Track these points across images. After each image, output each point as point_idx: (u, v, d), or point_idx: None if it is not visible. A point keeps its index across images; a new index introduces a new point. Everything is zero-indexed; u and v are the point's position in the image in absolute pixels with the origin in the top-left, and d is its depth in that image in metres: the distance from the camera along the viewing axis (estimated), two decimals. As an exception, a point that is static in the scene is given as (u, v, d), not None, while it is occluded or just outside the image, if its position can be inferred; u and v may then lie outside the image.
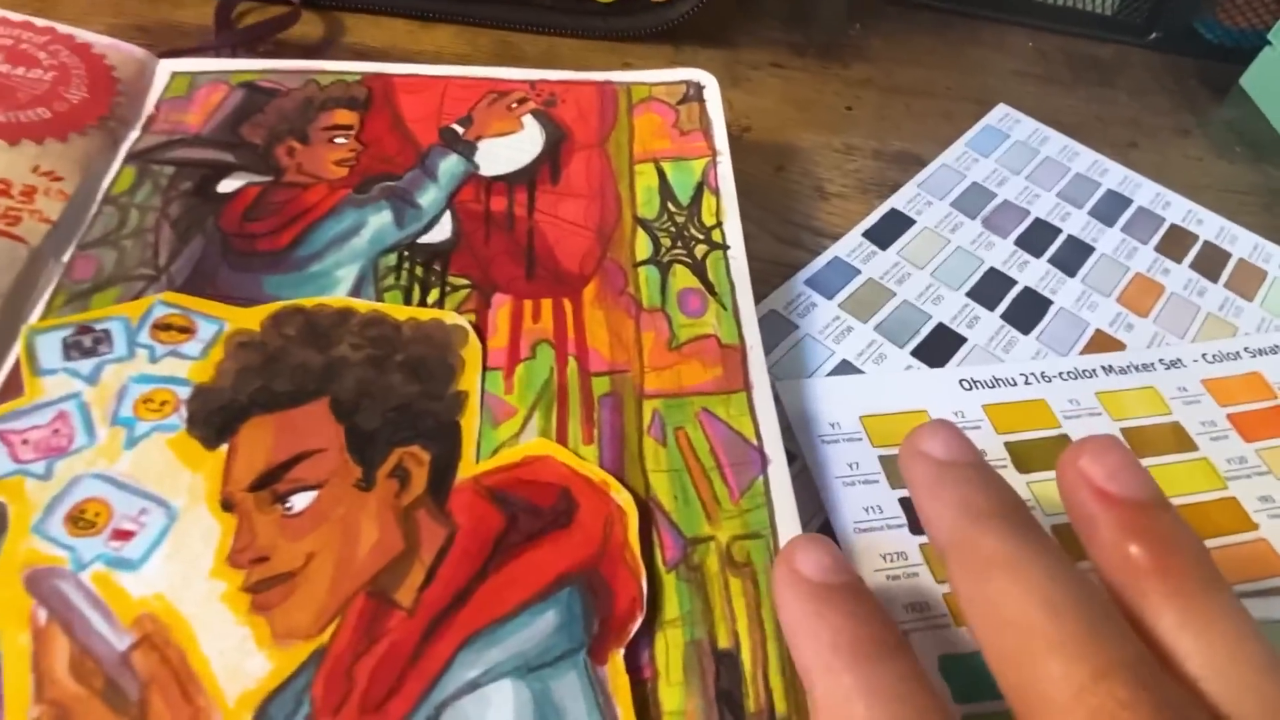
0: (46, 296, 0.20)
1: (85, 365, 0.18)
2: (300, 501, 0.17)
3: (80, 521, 0.16)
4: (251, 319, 0.20)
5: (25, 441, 0.17)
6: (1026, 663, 0.13)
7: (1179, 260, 0.29)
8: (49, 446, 0.17)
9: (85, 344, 0.18)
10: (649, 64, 0.33)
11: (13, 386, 0.18)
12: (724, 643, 0.17)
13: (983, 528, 0.14)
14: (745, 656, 0.16)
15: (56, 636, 0.15)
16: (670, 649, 0.16)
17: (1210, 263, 0.29)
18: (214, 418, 0.18)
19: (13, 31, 0.24)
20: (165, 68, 0.26)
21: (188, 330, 0.19)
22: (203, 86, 0.26)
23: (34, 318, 0.19)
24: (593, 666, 0.16)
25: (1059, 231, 0.30)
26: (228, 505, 0.17)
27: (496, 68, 0.28)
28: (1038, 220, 0.30)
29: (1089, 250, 0.29)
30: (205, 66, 0.26)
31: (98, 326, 0.19)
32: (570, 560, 0.17)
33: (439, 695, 0.15)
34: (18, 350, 0.19)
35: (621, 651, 0.16)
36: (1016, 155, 0.32)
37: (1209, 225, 0.31)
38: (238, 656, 0.15)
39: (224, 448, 0.18)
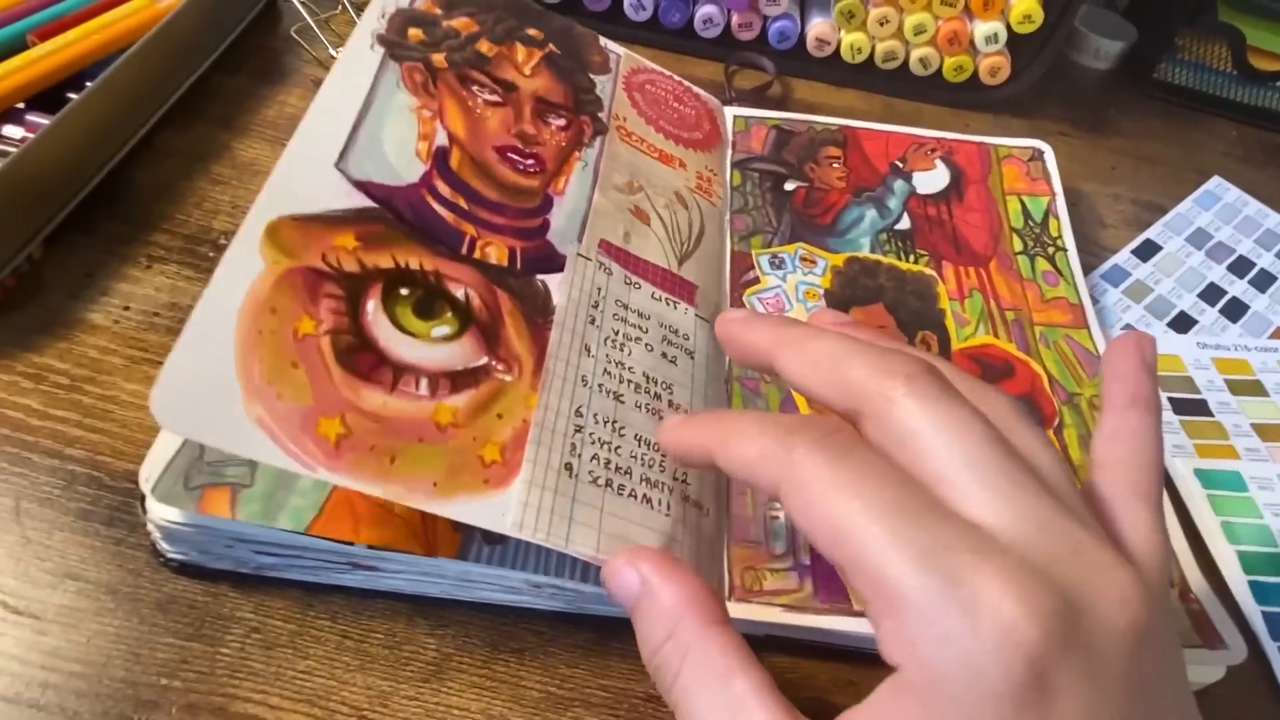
0: (728, 235, 0.39)
1: (779, 273, 0.37)
2: (885, 348, 0.35)
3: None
4: (838, 260, 0.38)
5: (766, 303, 0.35)
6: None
7: (1334, 291, 0.45)
8: (776, 306, 0.35)
9: (777, 262, 0.37)
10: (981, 125, 0.51)
11: (753, 281, 0.36)
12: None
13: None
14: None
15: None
16: (1069, 435, 0.34)
17: (1355, 295, 0.45)
18: (836, 305, 0.36)
19: (669, 82, 0.43)
20: (729, 112, 0.45)
21: (813, 262, 0.38)
22: (754, 126, 0.44)
23: (728, 246, 0.38)
24: (1038, 435, 0.33)
25: (1254, 265, 0.46)
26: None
27: (914, 128, 0.46)
28: (1240, 256, 0.46)
29: (1273, 279, 0.45)
30: (747, 113, 0.45)
31: (781, 255, 0.37)
32: (1018, 390, 0.35)
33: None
34: (740, 261, 0.37)
35: (1050, 431, 0.34)
36: (1226, 212, 0.49)
37: (1357, 271, 0.47)
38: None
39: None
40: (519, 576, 0.26)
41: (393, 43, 0.33)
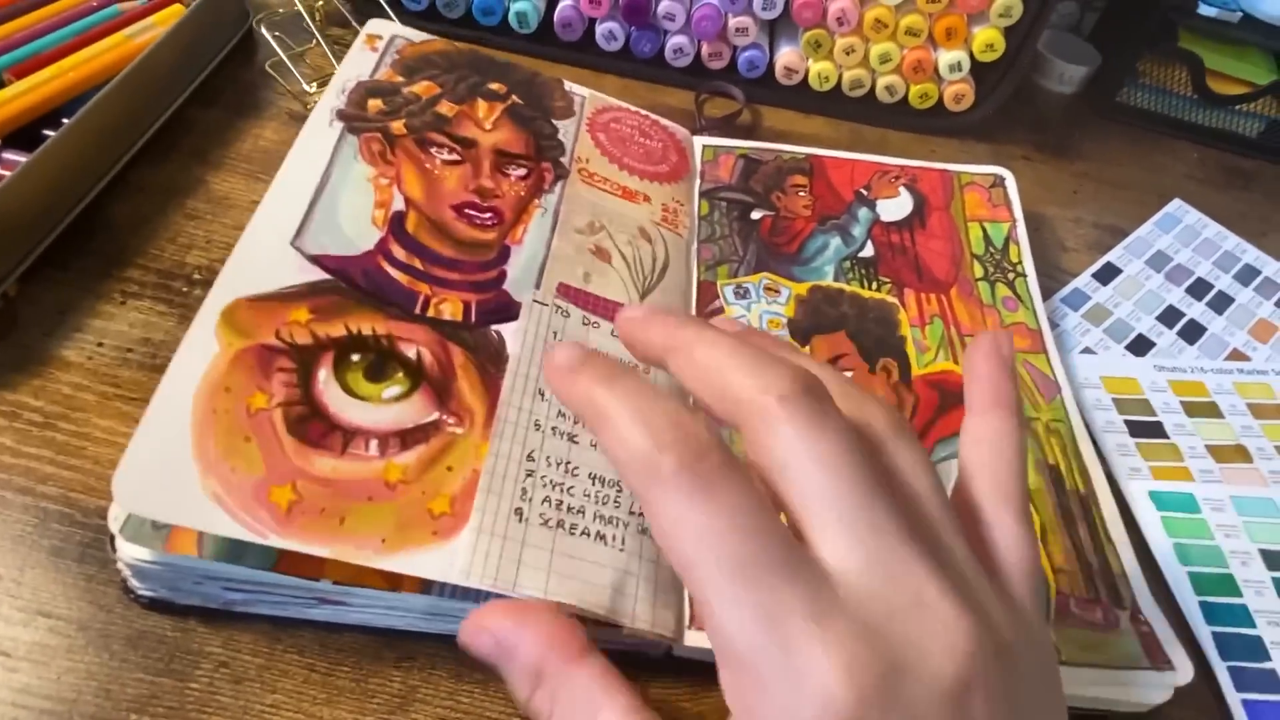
0: (695, 265, 0.39)
1: (743, 303, 0.37)
2: (847, 375, 0.36)
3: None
4: (802, 289, 0.39)
5: (730, 332, 0.36)
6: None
7: (1290, 312, 0.46)
8: (740, 336, 0.36)
9: (741, 292, 0.38)
10: (946, 149, 0.52)
11: (717, 312, 0.37)
12: (1050, 460, 0.35)
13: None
14: (1062, 467, 0.35)
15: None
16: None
17: (1310, 316, 0.47)
18: (798, 334, 0.37)
19: (635, 118, 0.44)
20: (698, 142, 0.46)
21: (776, 291, 0.39)
22: (722, 156, 0.45)
23: (694, 276, 0.39)
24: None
25: (1212, 287, 0.47)
26: (817, 372, 0.36)
27: (880, 155, 0.47)
28: (1199, 279, 0.47)
29: (1231, 300, 0.46)
30: (715, 142, 0.46)
31: (746, 285, 0.38)
32: (975, 417, 0.36)
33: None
34: (706, 291, 0.38)
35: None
36: (1186, 234, 0.50)
37: (1312, 292, 0.48)
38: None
39: (808, 347, 0.37)
40: (482, 609, 0.26)
41: (351, 116, 0.34)
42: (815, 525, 0.18)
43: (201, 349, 0.25)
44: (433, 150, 0.34)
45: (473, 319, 0.30)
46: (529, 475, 0.27)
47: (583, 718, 0.19)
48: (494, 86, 0.38)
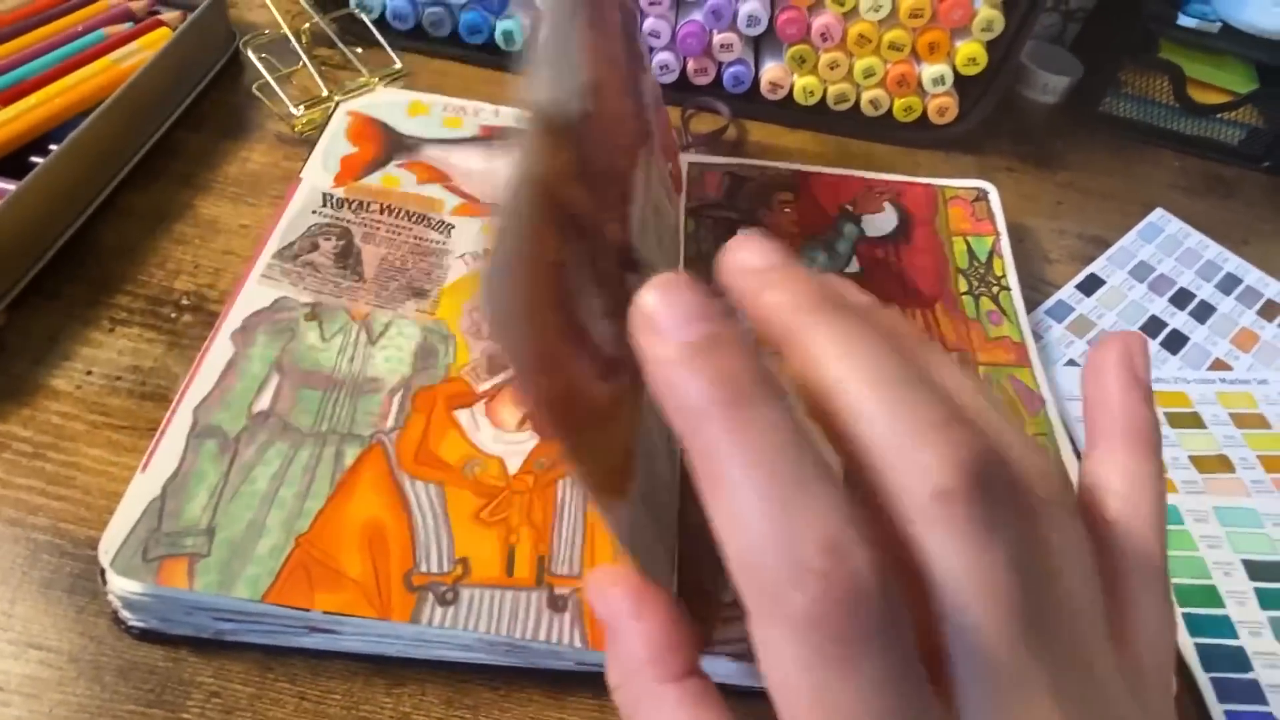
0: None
1: (729, 320, 0.38)
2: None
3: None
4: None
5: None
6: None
7: (1270, 320, 0.47)
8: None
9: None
10: (931, 162, 0.52)
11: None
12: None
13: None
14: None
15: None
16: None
17: (1291, 324, 0.47)
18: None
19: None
20: (684, 159, 0.46)
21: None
22: (708, 173, 0.46)
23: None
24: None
25: (1194, 296, 0.48)
26: (803, 390, 0.36)
27: (864, 171, 0.47)
28: (1181, 288, 0.48)
29: (1213, 309, 0.47)
30: (702, 159, 0.46)
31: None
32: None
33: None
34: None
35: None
36: (1168, 244, 0.50)
37: (1293, 300, 0.48)
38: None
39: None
40: (472, 636, 0.26)
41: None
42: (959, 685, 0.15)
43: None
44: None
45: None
46: None
47: None
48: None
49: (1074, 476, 0.34)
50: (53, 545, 0.29)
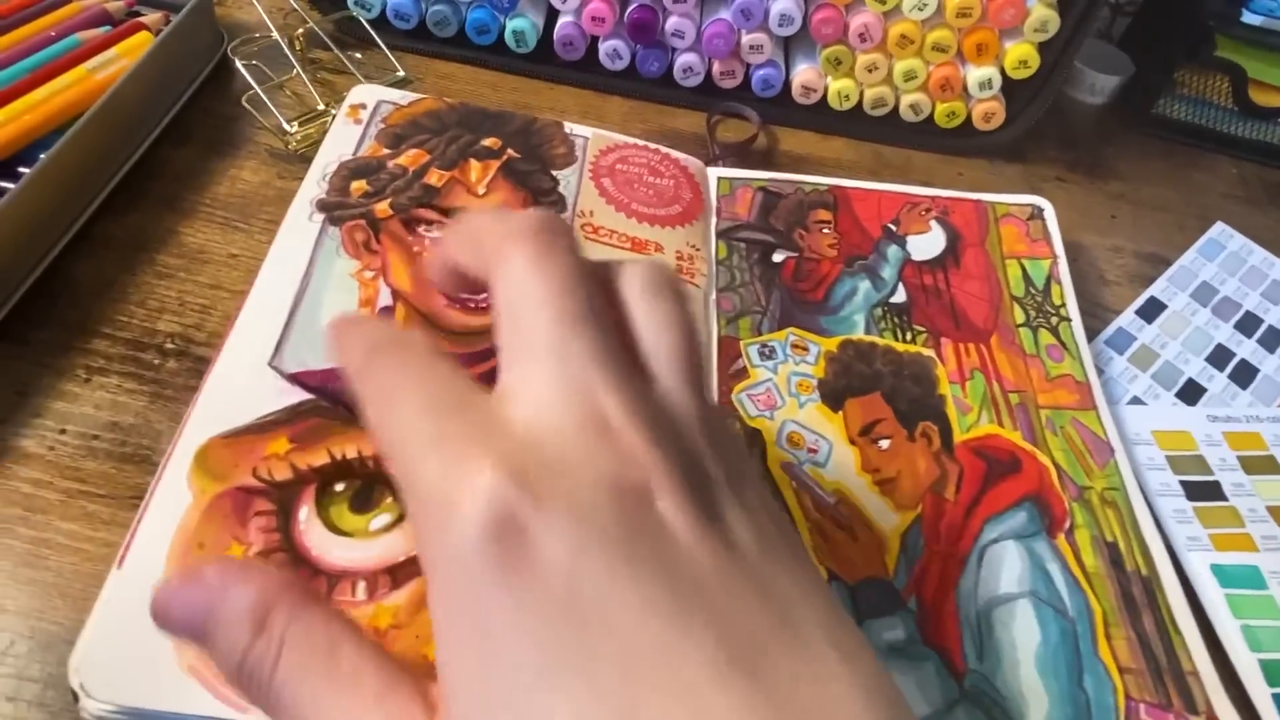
0: (714, 318, 0.36)
1: (769, 364, 0.34)
2: (884, 444, 0.33)
3: (792, 441, 0.32)
4: (832, 344, 0.36)
5: (756, 400, 0.33)
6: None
7: (1345, 347, 0.43)
8: (768, 403, 0.33)
9: (767, 352, 0.34)
10: (974, 171, 0.49)
11: (741, 374, 0.34)
12: (1108, 537, 0.32)
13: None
14: (1120, 544, 0.32)
15: (802, 494, 0.31)
16: (1081, 536, 0.32)
17: (1366, 351, 0.44)
18: (830, 397, 0.34)
19: (643, 154, 0.41)
20: (713, 174, 0.42)
21: (805, 349, 0.35)
22: (739, 189, 0.42)
23: (714, 331, 0.36)
24: (1049, 540, 0.31)
25: (1262, 321, 0.44)
26: (852, 441, 0.33)
27: (905, 182, 0.43)
28: (1248, 312, 0.44)
29: (1282, 335, 0.44)
30: (733, 174, 0.43)
31: (771, 344, 0.35)
32: (1025, 488, 0.33)
33: (980, 544, 0.31)
34: (728, 347, 0.35)
35: (1061, 535, 0.32)
36: (1231, 262, 0.47)
37: (1366, 324, 0.45)
38: (879, 514, 0.31)
39: (840, 412, 0.34)
40: None
41: (332, 205, 0.32)
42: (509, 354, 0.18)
43: (173, 501, 0.22)
44: (420, 229, 0.31)
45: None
46: None
47: (319, 659, 0.17)
48: (487, 143, 0.35)
49: (1157, 550, 0.31)
50: (20, 639, 0.26)
